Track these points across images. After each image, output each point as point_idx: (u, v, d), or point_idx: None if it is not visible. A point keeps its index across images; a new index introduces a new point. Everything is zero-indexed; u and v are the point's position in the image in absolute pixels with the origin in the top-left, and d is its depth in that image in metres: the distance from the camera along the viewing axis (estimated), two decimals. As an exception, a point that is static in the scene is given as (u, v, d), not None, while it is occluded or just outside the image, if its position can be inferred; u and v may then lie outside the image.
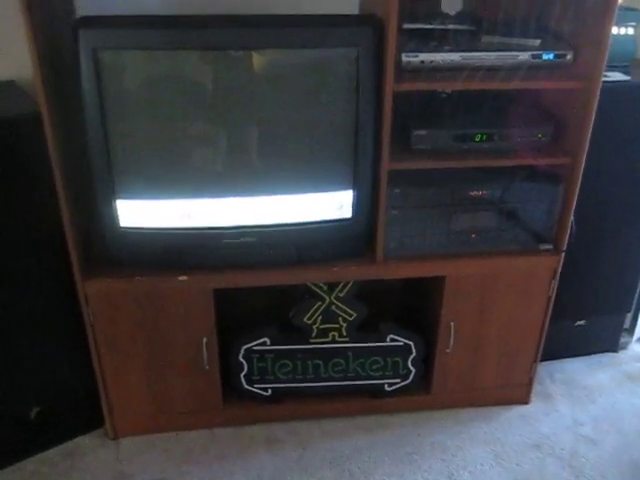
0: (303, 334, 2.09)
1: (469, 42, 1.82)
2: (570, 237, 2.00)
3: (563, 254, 2.01)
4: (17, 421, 1.98)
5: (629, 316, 2.55)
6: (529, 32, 1.84)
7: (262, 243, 1.87)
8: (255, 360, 2.10)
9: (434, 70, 1.74)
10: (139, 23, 1.62)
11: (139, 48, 1.63)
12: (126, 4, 1.75)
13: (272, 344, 2.08)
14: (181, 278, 1.88)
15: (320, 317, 2.06)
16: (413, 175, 1.87)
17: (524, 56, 1.77)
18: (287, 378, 2.14)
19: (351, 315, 2.07)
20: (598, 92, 1.77)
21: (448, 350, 2.12)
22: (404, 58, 1.71)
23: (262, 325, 2.08)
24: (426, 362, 2.19)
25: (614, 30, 1.77)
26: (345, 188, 1.84)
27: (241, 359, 2.09)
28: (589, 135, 1.83)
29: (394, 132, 1.75)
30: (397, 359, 2.16)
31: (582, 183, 1.91)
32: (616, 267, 2.32)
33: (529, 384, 2.28)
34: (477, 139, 1.85)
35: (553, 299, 2.09)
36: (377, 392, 2.22)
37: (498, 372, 2.22)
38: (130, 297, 1.89)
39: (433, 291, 2.09)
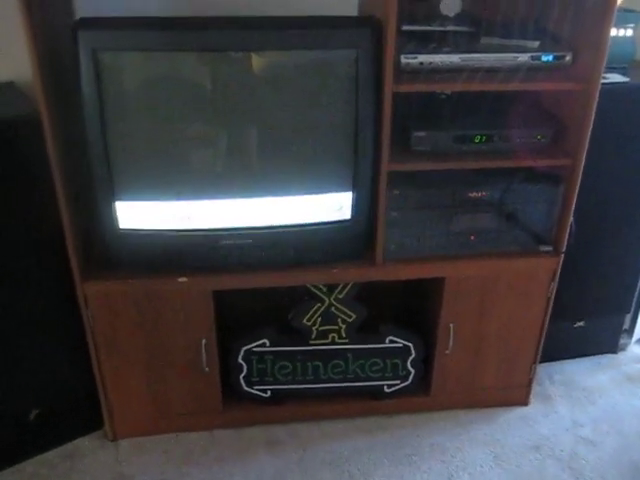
0: (302, 336, 2.09)
1: (468, 44, 1.82)
2: (570, 238, 2.00)
3: (563, 255, 2.02)
4: (16, 423, 1.98)
5: (628, 317, 2.55)
6: (528, 34, 1.84)
7: (261, 245, 1.87)
8: (254, 362, 2.10)
9: (433, 71, 1.75)
10: (139, 24, 1.62)
11: (139, 49, 1.63)
12: (125, 6, 1.75)
13: (271, 345, 2.08)
14: (180, 280, 1.88)
15: (319, 319, 2.06)
16: (413, 176, 1.87)
17: (523, 58, 1.77)
18: (287, 380, 2.14)
19: (350, 316, 2.07)
20: (597, 93, 1.77)
21: (447, 351, 2.12)
22: (403, 59, 1.71)
23: (261, 326, 2.08)
24: (425, 363, 2.19)
25: (613, 31, 1.77)
26: (345, 189, 1.84)
27: (240, 361, 2.09)
28: (588, 136, 1.83)
29: (394, 133, 1.75)
30: (396, 360, 2.16)
31: (582, 184, 1.91)
32: (615, 268, 2.32)
33: (528, 385, 2.28)
34: (477, 140, 1.86)
35: (552, 300, 2.09)
36: (377, 393, 2.21)
37: (498, 373, 2.22)
38: (129, 299, 1.88)
39: (432, 292, 2.09)
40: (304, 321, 2.06)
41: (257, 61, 1.67)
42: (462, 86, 1.77)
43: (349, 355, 2.13)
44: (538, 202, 1.97)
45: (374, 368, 2.16)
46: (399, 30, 1.66)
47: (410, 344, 2.14)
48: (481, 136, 1.85)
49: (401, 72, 1.72)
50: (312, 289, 2.02)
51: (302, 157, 1.81)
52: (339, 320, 2.07)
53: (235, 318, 2.11)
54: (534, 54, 1.77)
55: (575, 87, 1.81)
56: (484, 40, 1.83)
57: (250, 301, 2.07)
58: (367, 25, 1.66)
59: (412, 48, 1.74)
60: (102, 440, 2.12)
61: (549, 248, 2.02)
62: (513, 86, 1.78)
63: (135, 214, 1.79)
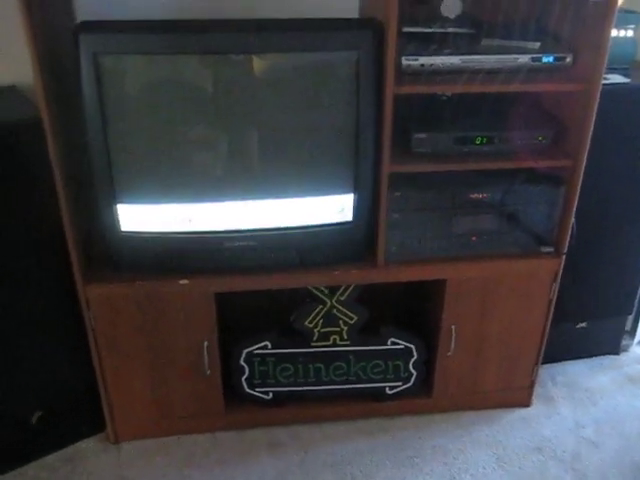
0: (304, 338, 2.09)
1: (469, 45, 1.82)
2: (571, 240, 2.00)
3: (564, 257, 2.01)
4: (18, 426, 1.98)
5: (630, 318, 2.55)
6: (529, 35, 1.84)
7: (263, 247, 1.87)
8: (256, 364, 2.10)
9: (434, 73, 1.75)
10: (139, 27, 1.62)
11: (140, 52, 1.63)
12: (126, 9, 1.76)
13: (273, 348, 2.08)
14: (182, 282, 1.88)
15: (321, 321, 2.06)
16: (414, 178, 1.88)
17: (524, 59, 1.77)
18: (288, 382, 2.14)
19: (352, 318, 2.07)
20: (598, 94, 1.77)
21: (449, 353, 2.12)
22: (404, 61, 1.72)
23: (263, 329, 2.08)
24: (427, 365, 2.18)
25: (614, 32, 1.77)
26: (346, 191, 1.84)
27: (242, 363, 2.09)
28: (589, 137, 1.83)
29: (394, 135, 1.76)
30: (398, 362, 2.16)
31: (583, 185, 1.91)
32: (617, 269, 2.32)
33: (530, 387, 2.28)
34: (477, 142, 1.86)
35: (554, 302, 2.09)
36: (378, 395, 2.21)
37: (499, 375, 2.22)
38: (131, 301, 1.89)
39: (434, 294, 2.09)
40: (306, 323, 2.06)
41: (258, 64, 1.67)
42: (463, 88, 1.77)
43: (351, 357, 2.13)
44: (539, 203, 1.97)
45: (376, 370, 2.16)
46: (400, 32, 1.66)
47: (412, 346, 2.14)
48: (482, 137, 1.85)
49: (402, 74, 1.72)
50: (314, 291, 2.02)
51: (303, 159, 1.81)
52: (341, 322, 2.07)
53: (237, 320, 2.11)
54: (535, 55, 1.77)
55: (576, 88, 1.81)
56: (485, 42, 1.83)
57: (252, 303, 2.07)
58: (368, 27, 1.67)
59: (413, 50, 1.75)
60: (104, 443, 2.12)
61: (550, 249, 2.02)
62: (514, 87, 1.78)
63: (136, 217, 1.79)
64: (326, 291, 2.02)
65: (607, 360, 2.56)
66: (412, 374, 2.18)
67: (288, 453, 2.11)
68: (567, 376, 2.47)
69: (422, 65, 1.73)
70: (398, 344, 2.13)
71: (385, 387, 2.20)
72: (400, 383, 2.19)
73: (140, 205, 1.78)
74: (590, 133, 1.83)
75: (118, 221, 1.78)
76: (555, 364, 2.48)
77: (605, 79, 1.82)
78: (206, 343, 1.98)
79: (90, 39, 1.55)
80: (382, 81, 1.69)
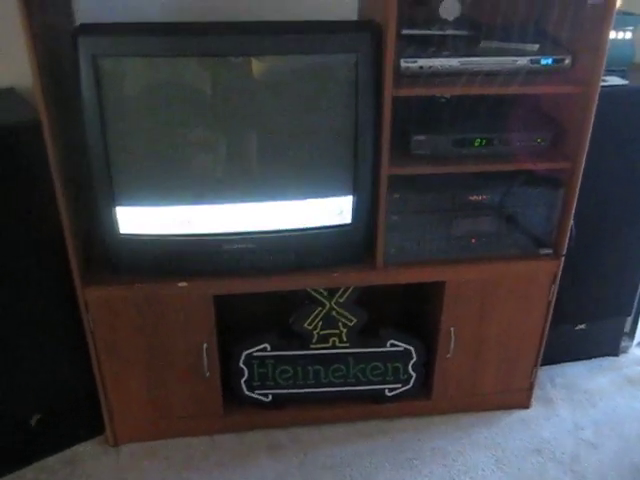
0: (303, 340, 2.09)
1: (467, 47, 1.82)
2: (570, 241, 2.00)
3: (563, 258, 2.02)
4: (17, 428, 1.97)
5: (629, 320, 2.55)
6: (527, 37, 1.84)
7: (262, 249, 1.87)
8: (255, 366, 2.10)
9: (433, 75, 1.75)
10: (139, 30, 1.63)
11: (139, 55, 1.63)
12: (125, 12, 1.76)
13: (272, 350, 2.08)
14: (181, 284, 1.88)
15: (320, 323, 2.06)
16: (413, 180, 1.88)
17: (522, 61, 1.77)
18: (288, 384, 2.14)
19: (351, 320, 2.07)
20: (596, 96, 1.78)
21: (448, 355, 2.12)
22: (403, 63, 1.72)
23: (262, 331, 2.08)
24: (427, 367, 2.18)
25: (612, 34, 1.77)
26: (345, 194, 1.84)
27: (241, 365, 2.09)
28: (588, 139, 1.83)
29: (393, 137, 1.76)
30: (397, 364, 2.16)
31: (581, 187, 1.91)
32: (616, 271, 2.32)
33: (530, 389, 2.28)
34: (476, 144, 1.86)
35: (553, 303, 2.09)
36: (378, 397, 2.21)
37: (498, 377, 2.22)
38: (130, 303, 1.88)
39: (433, 296, 2.09)
40: (305, 325, 2.06)
41: (257, 66, 1.67)
42: (462, 90, 1.77)
43: (350, 359, 2.13)
44: (538, 205, 1.97)
45: (375, 372, 2.16)
46: (399, 34, 1.66)
47: (411, 348, 2.14)
48: (481, 139, 1.86)
49: (401, 76, 1.72)
50: (313, 293, 2.02)
51: (302, 161, 1.81)
52: (340, 324, 2.07)
53: (236, 322, 2.11)
54: (533, 57, 1.78)
55: (574, 90, 1.81)
56: (483, 44, 1.84)
57: (251, 305, 2.07)
58: (367, 29, 1.67)
59: (412, 52, 1.75)
60: (103, 445, 2.12)
61: (549, 251, 2.02)
62: (513, 89, 1.78)
63: (135, 219, 1.79)
64: (325, 293, 2.02)
65: (606, 362, 2.56)
66: (411, 376, 2.18)
67: (287, 455, 2.11)
68: (566, 378, 2.47)
69: (421, 67, 1.73)
70: (397, 346, 2.13)
71: (384, 389, 2.19)
72: (399, 385, 2.19)
73: (139, 207, 1.78)
74: (589, 135, 1.83)
75: (117, 223, 1.78)
76: (554, 366, 2.48)
77: (603, 81, 1.82)
78: (205, 345, 1.98)
79: (89, 41, 1.55)
80: (381, 83, 1.69)
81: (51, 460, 2.06)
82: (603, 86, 1.80)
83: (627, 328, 2.56)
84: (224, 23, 1.71)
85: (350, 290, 2.03)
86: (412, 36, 1.83)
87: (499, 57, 1.77)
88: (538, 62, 1.78)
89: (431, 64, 1.74)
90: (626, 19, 2.02)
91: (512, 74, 1.78)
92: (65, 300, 1.87)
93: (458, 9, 1.82)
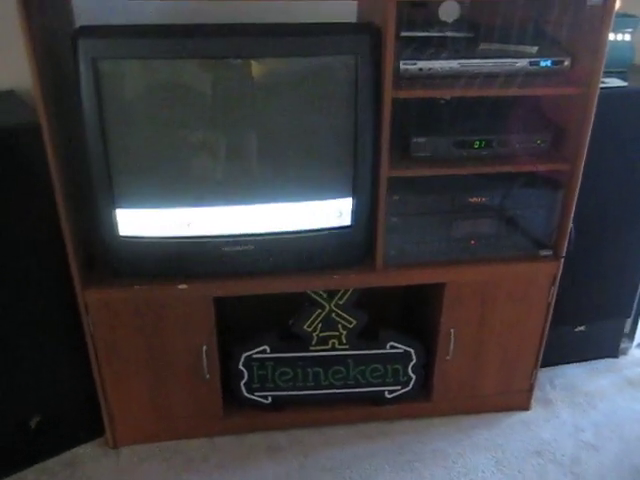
0: (303, 342, 2.09)
1: (467, 49, 1.82)
2: (570, 243, 2.00)
3: (563, 260, 2.02)
4: (17, 430, 1.97)
5: (629, 321, 2.55)
6: (527, 39, 1.84)
7: (262, 251, 1.87)
8: (255, 368, 2.09)
9: (432, 77, 1.75)
10: (138, 32, 1.62)
11: (138, 57, 1.63)
12: (124, 14, 1.76)
13: (272, 352, 2.08)
14: (181, 286, 1.88)
15: (320, 325, 2.06)
16: (412, 182, 1.88)
17: (522, 63, 1.77)
18: (287, 386, 2.14)
19: (351, 322, 2.07)
20: (596, 98, 1.78)
21: (448, 357, 2.12)
22: (402, 65, 1.72)
23: (262, 333, 2.08)
24: (426, 369, 2.18)
25: (611, 36, 1.77)
26: (344, 195, 1.84)
27: (241, 367, 2.09)
28: (587, 141, 1.84)
29: (393, 139, 1.76)
30: (397, 366, 2.16)
31: (581, 189, 1.91)
32: (616, 272, 2.32)
33: (529, 390, 2.28)
34: (476, 146, 1.86)
35: (553, 305, 2.09)
36: (378, 399, 2.21)
37: (498, 379, 2.22)
38: (130, 306, 1.88)
39: (433, 298, 2.09)
40: (305, 327, 2.06)
41: (257, 68, 1.67)
42: (461, 92, 1.77)
43: (350, 361, 2.13)
44: (538, 207, 1.97)
45: (375, 374, 2.16)
46: (398, 36, 1.66)
47: (411, 350, 2.14)
48: (480, 141, 1.86)
49: (400, 78, 1.72)
50: (312, 295, 2.02)
51: (302, 163, 1.82)
52: (340, 326, 2.07)
53: (236, 324, 2.11)
54: (533, 59, 1.78)
55: (574, 92, 1.81)
56: (483, 46, 1.84)
57: (251, 307, 2.07)
58: (366, 31, 1.67)
59: (411, 54, 1.75)
60: (103, 448, 2.12)
61: (549, 253, 2.02)
62: (512, 91, 1.78)
63: (135, 221, 1.79)
64: (325, 295, 2.02)
65: (606, 363, 2.56)
66: (411, 378, 2.18)
67: (287, 458, 2.11)
68: (566, 379, 2.47)
69: (420, 69, 1.74)
70: (397, 348, 2.13)
71: (384, 391, 2.19)
72: (399, 387, 2.19)
73: (139, 210, 1.78)
74: (588, 137, 1.83)
75: (117, 226, 1.78)
76: (554, 367, 2.48)
77: (603, 83, 1.83)
78: (205, 347, 1.98)
79: (89, 44, 1.55)
80: (380, 85, 1.69)
81: (51, 462, 2.06)
82: (602, 88, 1.80)
83: (627, 329, 2.56)
84: (224, 25, 1.71)
85: (350, 292, 2.03)
86: (411, 38, 1.83)
87: (498, 59, 1.77)
88: (537, 64, 1.78)
89: (430, 66, 1.74)
90: (625, 21, 2.02)
91: (511, 76, 1.78)
92: (65, 302, 1.86)
93: (457, 11, 1.82)
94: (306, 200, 1.83)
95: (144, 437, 2.13)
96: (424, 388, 2.22)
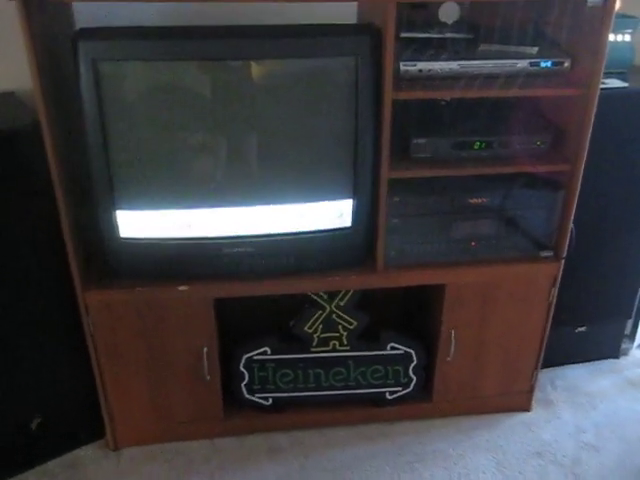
0: (304, 343, 2.09)
1: (467, 50, 1.82)
2: (570, 244, 2.00)
3: (563, 261, 2.02)
4: (18, 432, 1.97)
5: (630, 322, 2.55)
6: (527, 40, 1.84)
7: (262, 252, 1.87)
8: (256, 369, 2.09)
9: (432, 78, 1.75)
10: (138, 34, 1.62)
11: (138, 59, 1.63)
12: (124, 16, 1.76)
13: (273, 353, 2.08)
14: (181, 288, 1.88)
15: (321, 326, 2.06)
16: (413, 183, 1.87)
17: (522, 64, 1.77)
18: (288, 387, 2.14)
19: (352, 324, 2.07)
20: (596, 99, 1.78)
21: (449, 358, 2.12)
22: (402, 67, 1.72)
23: (263, 334, 2.08)
24: (427, 370, 2.18)
25: (611, 37, 1.77)
26: (345, 197, 1.84)
27: (242, 368, 2.08)
28: (588, 142, 1.84)
29: (393, 140, 1.76)
30: (398, 367, 2.15)
31: (581, 190, 1.91)
32: (616, 273, 2.32)
33: (530, 391, 2.28)
34: (476, 147, 1.86)
35: (554, 306, 2.09)
36: (378, 401, 2.21)
37: (499, 379, 2.22)
38: (130, 307, 1.88)
39: (433, 299, 2.09)
40: (305, 329, 2.06)
41: (256, 70, 1.67)
42: (461, 93, 1.77)
43: (350, 362, 2.13)
44: (538, 208, 1.97)
45: (375, 375, 2.16)
46: (398, 37, 1.66)
47: (411, 351, 2.14)
48: (480, 142, 1.86)
49: (400, 79, 1.72)
50: (313, 297, 2.02)
51: (302, 165, 1.82)
52: (340, 327, 2.07)
53: (236, 326, 2.11)
54: (533, 60, 1.78)
55: (574, 93, 1.81)
56: (483, 47, 1.84)
57: (251, 309, 2.06)
58: (366, 32, 1.67)
59: (411, 55, 1.75)
60: (103, 449, 2.12)
61: (549, 254, 2.02)
62: (512, 92, 1.78)
63: (136, 223, 1.79)
64: (325, 296, 2.02)
65: (607, 364, 2.56)
66: (412, 379, 2.18)
67: (288, 459, 2.11)
68: (567, 380, 2.46)
69: (420, 70, 1.74)
70: (398, 349, 2.13)
71: (385, 392, 2.19)
72: (400, 388, 2.19)
73: (139, 211, 1.78)
74: (588, 137, 1.83)
75: (117, 227, 1.78)
76: (555, 368, 2.48)
77: (603, 83, 1.83)
78: (205, 349, 1.98)
79: (89, 46, 1.56)
80: (380, 86, 1.69)
81: (51, 464, 2.06)
82: (603, 88, 1.80)
83: (628, 330, 2.56)
84: (224, 27, 1.71)
85: (350, 293, 2.03)
86: (411, 39, 1.83)
87: (498, 60, 1.77)
88: (537, 65, 1.78)
89: (430, 67, 1.74)
90: (625, 21, 2.02)
91: (511, 77, 1.78)
92: (65, 303, 1.86)
93: (457, 12, 1.82)
94: (306, 201, 1.83)
95: (145, 439, 2.12)
96: (425, 389, 2.22)
